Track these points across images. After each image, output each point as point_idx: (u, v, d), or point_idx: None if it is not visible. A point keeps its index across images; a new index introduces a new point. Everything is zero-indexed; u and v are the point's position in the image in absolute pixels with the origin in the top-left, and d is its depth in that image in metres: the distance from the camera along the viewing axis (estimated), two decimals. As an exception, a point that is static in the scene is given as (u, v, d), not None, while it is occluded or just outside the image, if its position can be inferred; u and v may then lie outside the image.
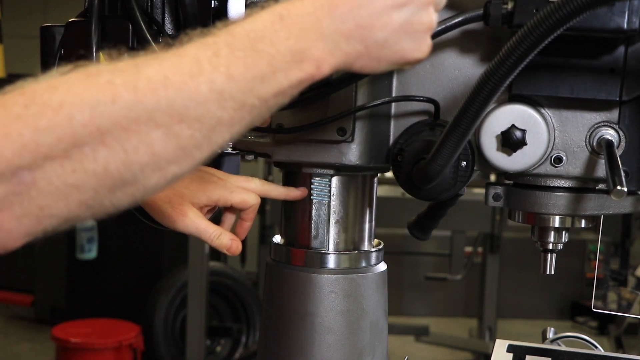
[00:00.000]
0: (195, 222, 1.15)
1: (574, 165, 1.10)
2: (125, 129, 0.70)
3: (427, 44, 0.86)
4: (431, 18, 0.85)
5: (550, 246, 1.17)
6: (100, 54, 1.05)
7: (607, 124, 1.08)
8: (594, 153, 1.09)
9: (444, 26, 1.00)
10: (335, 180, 1.17)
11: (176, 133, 0.73)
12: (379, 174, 1.25)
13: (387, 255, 1.27)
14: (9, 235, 0.71)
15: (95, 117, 0.69)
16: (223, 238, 1.15)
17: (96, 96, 0.69)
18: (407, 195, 1.14)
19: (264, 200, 1.18)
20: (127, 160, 0.71)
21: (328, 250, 1.19)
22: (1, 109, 0.68)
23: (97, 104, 0.69)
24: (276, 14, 0.78)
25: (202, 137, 0.74)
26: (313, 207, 1.18)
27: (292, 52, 0.77)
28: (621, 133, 1.07)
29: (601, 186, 1.11)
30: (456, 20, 1.01)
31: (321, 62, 0.79)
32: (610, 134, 1.07)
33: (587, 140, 1.09)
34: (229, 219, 1.24)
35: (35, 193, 0.69)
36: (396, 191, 4.72)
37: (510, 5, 0.96)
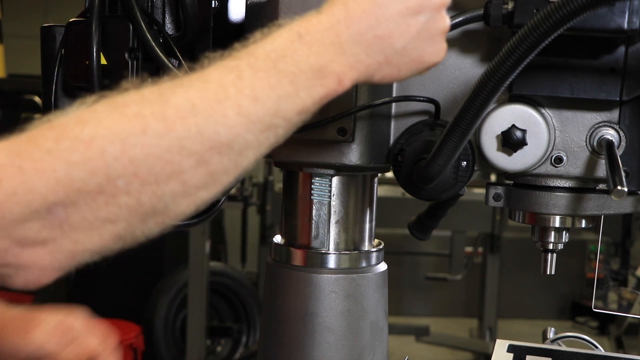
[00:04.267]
0: None
1: (575, 165, 1.10)
2: (157, 158, 0.70)
3: (443, 47, 0.86)
4: (445, 21, 0.86)
5: (551, 246, 1.17)
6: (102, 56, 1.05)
7: (608, 124, 1.08)
8: (595, 153, 1.09)
9: (444, 26, 1.00)
10: (335, 180, 1.17)
11: (207, 160, 0.72)
12: (379, 174, 1.25)
13: (387, 255, 1.27)
14: (42, 272, 0.70)
15: (127, 149, 0.68)
16: None
17: (126, 128, 0.69)
18: (407, 195, 1.14)
19: (264, 200, 1.19)
20: (158, 190, 0.71)
21: (328, 250, 1.19)
22: (31, 144, 0.67)
23: (127, 135, 0.69)
24: (294, 32, 0.78)
25: (230, 161, 0.74)
26: (313, 207, 1.18)
27: (314, 69, 0.77)
28: (621, 133, 1.07)
29: (601, 186, 1.11)
30: (456, 20, 1.01)
31: (342, 76, 0.79)
32: (610, 134, 1.07)
33: (588, 140, 1.09)
34: None
35: (68, 228, 0.69)
36: (396, 191, 4.72)
37: (510, 5, 0.96)
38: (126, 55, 1.06)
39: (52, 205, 0.67)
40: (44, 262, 0.70)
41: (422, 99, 1.12)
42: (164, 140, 0.70)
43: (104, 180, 0.68)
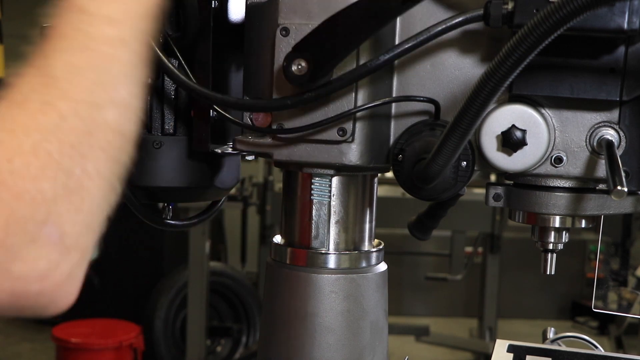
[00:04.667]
0: None
1: (574, 165, 1.10)
2: (87, 132, 0.71)
3: None
4: None
5: (551, 246, 1.17)
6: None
7: (608, 124, 1.08)
8: (595, 153, 1.09)
9: (444, 26, 0.99)
10: (335, 180, 1.17)
11: (123, 98, 0.74)
12: (379, 174, 1.25)
13: (387, 255, 1.27)
14: (69, 292, 0.72)
15: (62, 140, 0.69)
16: None
17: (49, 122, 0.69)
18: (407, 195, 1.14)
19: (264, 200, 1.19)
20: (109, 156, 0.72)
21: (328, 250, 1.19)
22: None
23: (54, 128, 0.69)
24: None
25: (136, 79, 0.76)
26: (313, 207, 1.18)
27: None
28: (621, 133, 1.07)
29: (601, 186, 1.11)
30: (456, 20, 1.00)
31: None
32: (610, 134, 1.07)
33: (588, 141, 1.09)
34: None
35: (70, 242, 0.69)
36: (396, 191, 4.73)
37: (510, 5, 0.96)
38: (126, 55, 1.06)
39: (42, 225, 0.67)
40: (67, 286, 0.71)
41: (422, 99, 1.12)
42: (79, 113, 0.71)
43: (67, 178, 0.69)
